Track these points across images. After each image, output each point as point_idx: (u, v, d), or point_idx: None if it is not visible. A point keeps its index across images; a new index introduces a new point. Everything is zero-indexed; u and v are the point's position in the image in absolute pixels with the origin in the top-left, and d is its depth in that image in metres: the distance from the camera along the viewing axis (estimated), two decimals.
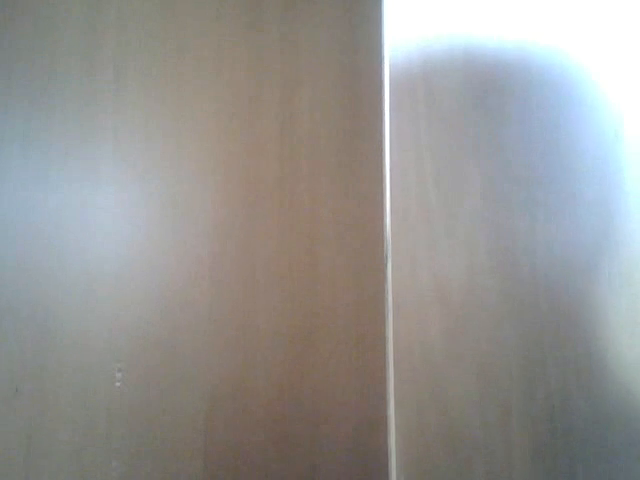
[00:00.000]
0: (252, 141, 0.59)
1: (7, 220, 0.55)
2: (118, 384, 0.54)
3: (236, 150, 0.59)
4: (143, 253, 0.56)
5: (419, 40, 0.61)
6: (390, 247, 0.57)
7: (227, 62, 0.60)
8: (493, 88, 0.60)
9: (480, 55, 0.61)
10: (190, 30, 0.60)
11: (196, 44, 0.60)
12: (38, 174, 0.56)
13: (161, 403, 0.54)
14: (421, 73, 0.60)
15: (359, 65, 0.61)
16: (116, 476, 0.52)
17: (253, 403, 0.55)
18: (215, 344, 0.55)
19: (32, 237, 0.55)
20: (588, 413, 0.56)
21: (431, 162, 0.59)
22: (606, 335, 0.57)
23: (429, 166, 0.59)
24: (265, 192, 0.58)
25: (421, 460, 0.54)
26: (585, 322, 0.57)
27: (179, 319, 0.55)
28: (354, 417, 0.56)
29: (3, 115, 0.56)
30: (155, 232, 0.56)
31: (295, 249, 0.58)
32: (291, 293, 0.57)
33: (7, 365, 0.53)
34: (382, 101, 0.60)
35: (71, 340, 0.54)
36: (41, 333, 0.53)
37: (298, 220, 0.58)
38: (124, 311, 0.55)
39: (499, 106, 0.60)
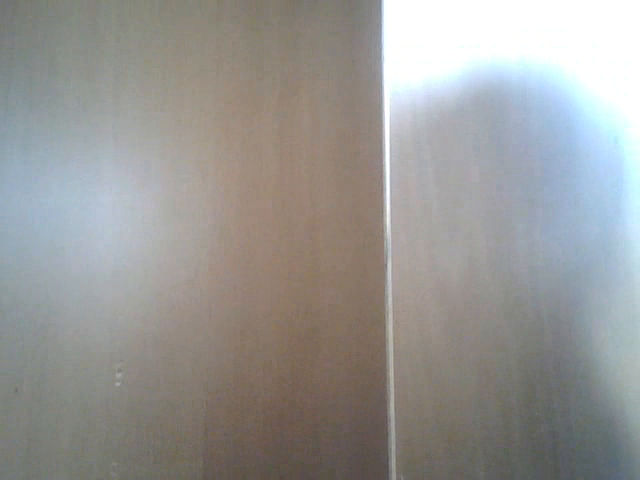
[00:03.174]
0: (252, 141, 0.59)
1: (7, 220, 0.55)
2: (118, 384, 0.54)
3: (236, 150, 0.59)
4: (143, 253, 0.56)
5: (419, 40, 0.61)
6: (390, 246, 0.57)
7: (227, 62, 0.60)
8: (492, 89, 0.60)
9: (480, 56, 0.61)
10: (190, 30, 0.60)
11: (196, 44, 0.60)
12: (38, 174, 0.56)
13: (161, 403, 0.54)
14: (421, 73, 0.60)
15: (359, 65, 0.61)
16: (116, 476, 0.52)
17: (253, 403, 0.55)
18: (215, 344, 0.55)
19: (32, 237, 0.55)
20: (588, 412, 0.56)
21: (431, 162, 0.59)
22: (605, 335, 0.57)
23: (429, 166, 0.59)
24: (265, 192, 0.58)
25: (421, 460, 0.54)
26: (584, 322, 0.58)
27: (179, 319, 0.55)
28: (354, 417, 0.56)
29: (3, 115, 0.56)
30: (155, 232, 0.56)
31: (295, 249, 0.58)
32: (291, 293, 0.57)
33: (7, 365, 0.53)
34: (382, 101, 0.60)
35: (71, 340, 0.54)
36: (41, 333, 0.53)
37: (298, 220, 0.58)
38: (124, 311, 0.55)
39: (499, 108, 0.60)
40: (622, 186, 0.60)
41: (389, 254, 0.57)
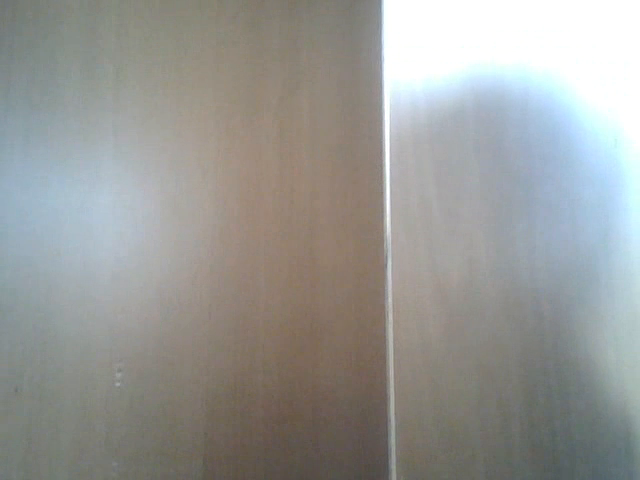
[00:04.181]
0: (252, 140, 0.59)
1: (7, 220, 0.55)
2: (118, 384, 0.54)
3: (236, 150, 0.59)
4: (143, 253, 0.56)
5: (419, 40, 0.61)
6: (390, 247, 0.57)
7: (227, 62, 0.60)
8: (492, 89, 0.60)
9: (480, 56, 0.61)
10: (190, 30, 0.60)
11: (196, 44, 0.60)
12: (38, 174, 0.56)
13: (161, 403, 0.54)
14: (421, 74, 0.60)
15: (359, 65, 0.61)
16: (116, 476, 0.52)
17: (253, 403, 0.55)
18: (215, 344, 0.55)
19: (32, 237, 0.55)
20: (588, 413, 0.56)
21: (431, 162, 0.59)
22: (606, 335, 0.57)
23: (429, 166, 0.59)
24: (265, 192, 0.58)
25: (421, 460, 0.54)
26: (585, 322, 0.57)
27: (179, 320, 0.55)
28: (354, 417, 0.56)
29: (4, 114, 0.56)
30: (155, 232, 0.56)
31: (295, 249, 0.58)
32: (291, 293, 0.57)
33: (7, 365, 0.53)
34: (382, 101, 0.60)
35: (71, 340, 0.54)
36: (41, 333, 0.53)
37: (298, 220, 0.58)
38: (124, 311, 0.55)
39: (499, 108, 0.60)
40: (622, 186, 0.60)
41: (389, 254, 0.57)
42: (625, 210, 0.60)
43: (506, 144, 0.60)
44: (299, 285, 0.57)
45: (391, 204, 0.58)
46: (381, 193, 0.59)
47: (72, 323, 0.54)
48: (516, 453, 0.55)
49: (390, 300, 0.56)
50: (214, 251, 0.57)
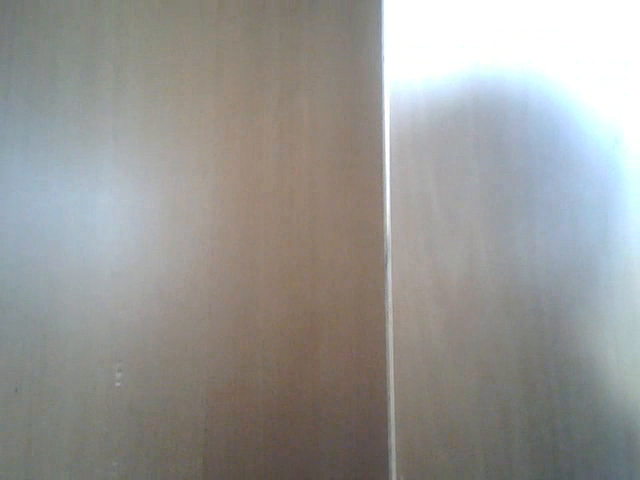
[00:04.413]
0: (252, 141, 0.59)
1: (7, 220, 0.55)
2: (118, 384, 0.54)
3: (236, 150, 0.59)
4: (143, 254, 0.56)
5: (419, 40, 0.61)
6: (390, 247, 0.57)
7: (227, 63, 0.60)
8: (493, 89, 0.60)
9: (480, 56, 0.61)
10: (190, 31, 0.60)
11: (196, 45, 0.60)
12: (38, 175, 0.56)
13: (161, 403, 0.54)
14: (421, 74, 0.60)
15: (359, 66, 0.61)
16: (116, 476, 0.52)
17: (253, 403, 0.55)
18: (215, 344, 0.55)
19: (32, 238, 0.55)
20: (588, 413, 0.56)
21: (431, 162, 0.59)
22: (606, 335, 0.57)
23: (429, 165, 0.59)
24: (265, 192, 0.58)
25: (421, 460, 0.54)
26: (585, 322, 0.58)
27: (179, 319, 0.55)
28: (354, 417, 0.56)
29: (3, 116, 0.56)
30: (155, 232, 0.56)
31: (295, 249, 0.58)
32: (291, 293, 0.57)
33: (7, 365, 0.53)
34: (382, 101, 0.60)
35: (71, 340, 0.54)
36: (41, 333, 0.53)
37: (298, 220, 0.58)
38: (124, 311, 0.55)
39: (499, 107, 0.60)
40: (622, 186, 0.60)
41: (389, 254, 0.57)
42: (625, 211, 0.60)
43: (506, 144, 0.60)
44: (299, 284, 0.57)
45: (391, 204, 0.58)
46: (381, 193, 0.59)
47: (72, 323, 0.54)
48: (516, 451, 0.55)
49: (390, 300, 0.56)
50: (214, 251, 0.57)
